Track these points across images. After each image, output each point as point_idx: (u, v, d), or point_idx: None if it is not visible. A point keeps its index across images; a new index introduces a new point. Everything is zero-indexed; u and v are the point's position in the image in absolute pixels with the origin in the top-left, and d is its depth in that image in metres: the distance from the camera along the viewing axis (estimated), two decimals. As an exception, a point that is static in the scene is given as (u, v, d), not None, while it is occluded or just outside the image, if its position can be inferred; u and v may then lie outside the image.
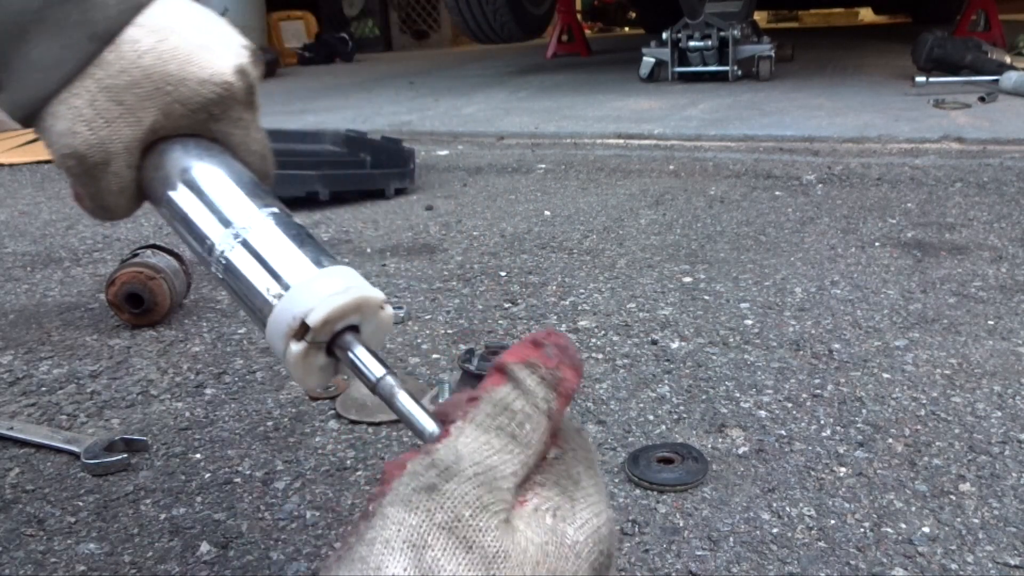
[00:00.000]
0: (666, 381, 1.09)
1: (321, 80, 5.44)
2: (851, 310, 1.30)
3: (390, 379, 0.45)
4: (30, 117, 0.52)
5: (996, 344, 1.16)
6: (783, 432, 0.95)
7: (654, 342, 1.21)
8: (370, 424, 1.01)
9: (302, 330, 0.46)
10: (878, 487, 0.84)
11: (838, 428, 0.96)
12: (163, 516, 0.84)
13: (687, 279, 1.47)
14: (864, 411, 0.99)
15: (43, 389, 1.14)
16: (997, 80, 3.27)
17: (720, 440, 0.94)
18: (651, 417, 1.00)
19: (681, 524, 0.80)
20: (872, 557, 0.74)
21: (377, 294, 0.48)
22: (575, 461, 0.40)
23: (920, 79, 3.36)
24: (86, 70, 0.51)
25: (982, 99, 3.02)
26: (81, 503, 0.87)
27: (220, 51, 0.54)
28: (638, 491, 0.85)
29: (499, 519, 0.35)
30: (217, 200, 0.52)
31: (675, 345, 1.20)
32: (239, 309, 0.51)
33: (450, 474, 0.35)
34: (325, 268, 0.49)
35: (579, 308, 1.36)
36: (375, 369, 0.46)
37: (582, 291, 1.43)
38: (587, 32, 6.94)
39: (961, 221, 1.76)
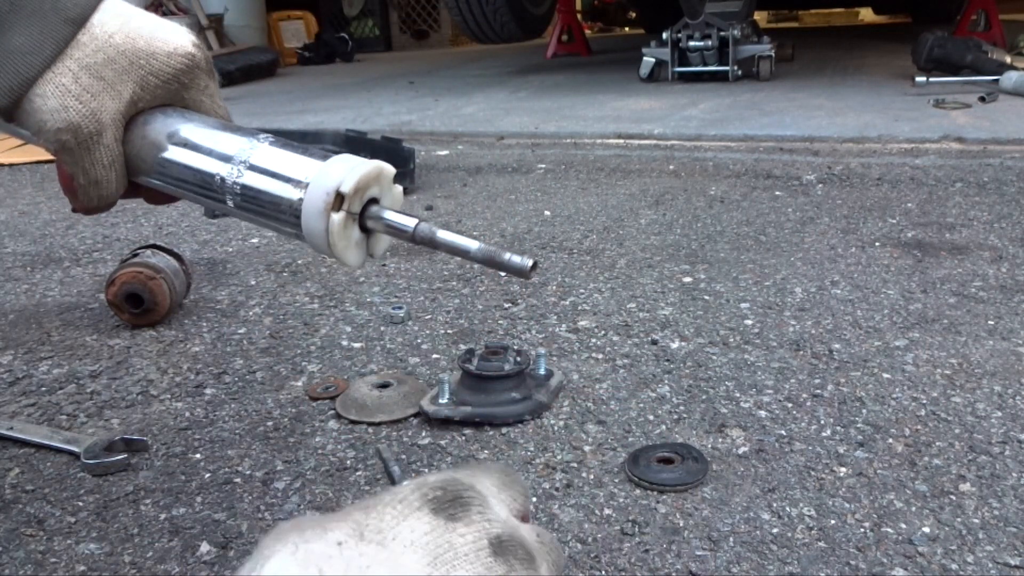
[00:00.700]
0: (666, 381, 1.09)
1: (321, 80, 5.44)
2: (851, 310, 1.30)
3: (424, 224, 0.52)
4: (15, 103, 0.54)
5: (996, 344, 1.16)
6: (783, 432, 0.95)
7: (654, 342, 1.21)
8: (370, 424, 1.01)
9: (338, 201, 0.50)
10: (878, 487, 0.84)
11: (838, 428, 0.96)
12: (163, 516, 0.84)
13: (687, 279, 1.47)
14: (864, 411, 0.99)
15: (43, 389, 1.14)
16: (997, 80, 3.27)
17: (720, 440, 0.94)
18: (651, 417, 1.00)
19: (681, 524, 0.80)
20: (872, 557, 0.74)
21: (390, 167, 0.54)
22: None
23: (920, 79, 3.36)
24: (65, 52, 0.55)
25: (982, 99, 3.02)
26: (81, 503, 0.87)
27: (174, 29, 0.60)
28: (638, 491, 0.85)
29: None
30: (212, 145, 0.56)
31: (675, 345, 1.20)
32: (265, 228, 0.58)
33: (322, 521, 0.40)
34: (333, 157, 0.53)
35: (579, 308, 1.36)
36: (408, 222, 0.52)
37: (582, 291, 1.43)
38: (587, 32, 6.94)
39: (961, 221, 1.76)
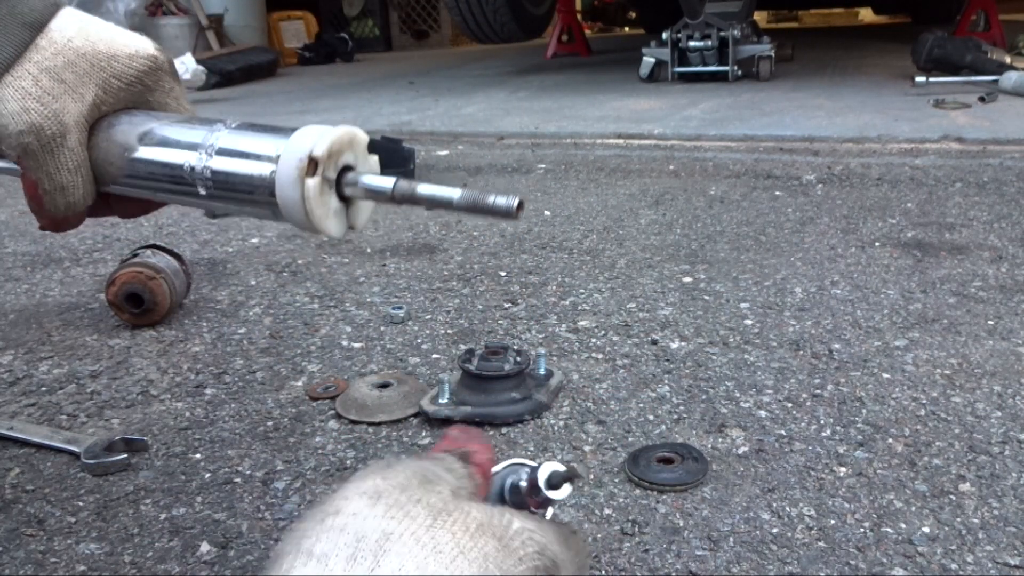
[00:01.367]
0: (666, 381, 1.09)
1: (321, 80, 5.44)
2: (851, 310, 1.30)
3: (402, 182, 0.50)
4: None
5: (996, 344, 1.16)
6: (783, 432, 0.95)
7: (654, 342, 1.21)
8: (370, 424, 1.01)
9: (312, 166, 0.49)
10: (878, 487, 0.84)
11: (838, 428, 0.96)
12: (163, 516, 0.84)
13: (687, 279, 1.47)
14: (864, 411, 0.99)
15: (43, 389, 1.14)
16: (997, 80, 3.27)
17: (720, 440, 0.94)
18: (651, 417, 1.00)
19: (681, 524, 0.80)
20: (872, 557, 0.74)
21: (363, 133, 0.53)
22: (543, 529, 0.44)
23: (920, 79, 3.36)
24: (24, 55, 0.54)
25: (982, 99, 3.02)
26: (81, 503, 0.87)
27: (134, 35, 0.59)
28: (638, 491, 0.85)
29: (444, 488, 0.40)
30: (179, 137, 0.55)
31: (675, 345, 1.20)
32: (243, 213, 0.56)
33: (400, 461, 0.41)
34: (300, 128, 0.52)
35: (579, 308, 1.36)
36: (386, 182, 0.50)
37: (582, 291, 1.43)
38: (587, 32, 6.94)
39: (961, 221, 1.76)
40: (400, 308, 1.35)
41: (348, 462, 0.93)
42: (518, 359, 1.02)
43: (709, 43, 3.94)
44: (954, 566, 0.72)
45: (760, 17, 8.60)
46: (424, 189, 0.50)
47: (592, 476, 0.88)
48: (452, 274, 1.55)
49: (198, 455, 0.96)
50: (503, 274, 1.54)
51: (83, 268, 1.67)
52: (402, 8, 8.56)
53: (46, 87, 0.54)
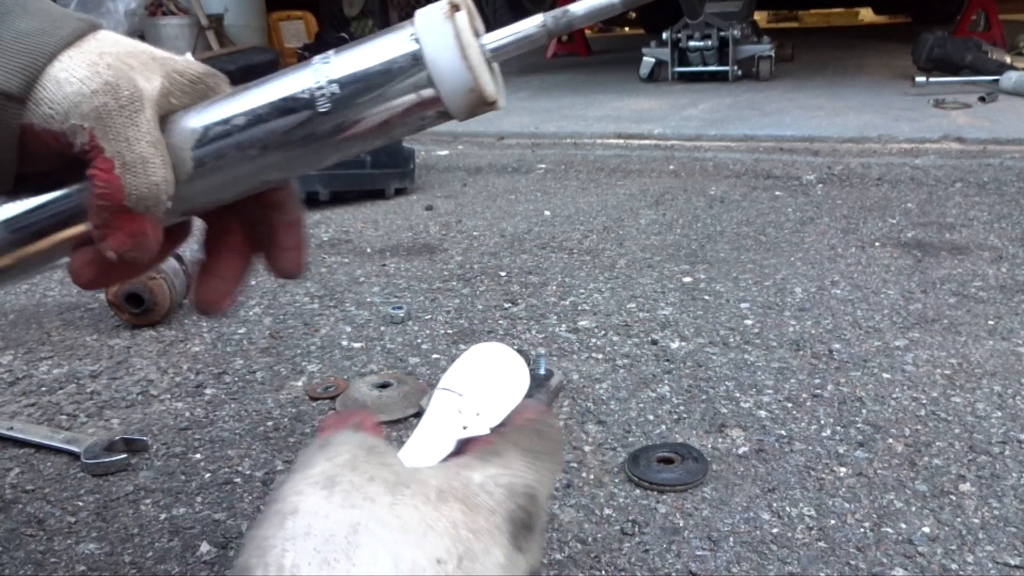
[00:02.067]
0: (666, 381, 1.09)
1: (321, 80, 5.43)
2: (851, 310, 1.30)
3: (548, 15, 0.44)
4: (29, 84, 0.46)
5: (996, 344, 1.16)
6: (783, 432, 0.95)
7: (654, 342, 1.21)
8: (370, 424, 1.01)
9: (452, 7, 0.43)
10: (878, 487, 0.84)
11: (838, 428, 0.96)
12: (163, 516, 0.84)
13: (687, 279, 1.47)
14: (864, 411, 0.99)
15: (43, 389, 1.14)
16: (997, 80, 3.27)
17: (720, 440, 0.94)
18: (651, 417, 1.00)
19: (681, 524, 0.80)
20: (872, 557, 0.74)
21: None
22: (506, 443, 0.42)
23: (920, 79, 3.36)
24: (80, 42, 0.48)
25: (982, 99, 3.02)
26: (81, 503, 0.87)
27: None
28: (638, 491, 0.85)
29: (392, 457, 0.39)
30: (274, 80, 0.48)
31: (675, 345, 1.20)
32: (367, 128, 0.45)
33: (335, 437, 0.40)
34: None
35: (579, 308, 1.36)
36: (533, 21, 0.44)
37: (582, 291, 1.43)
38: (587, 32, 6.94)
39: (961, 221, 1.76)
40: (400, 308, 1.35)
41: (348, 462, 0.93)
42: (518, 359, 1.02)
43: (709, 43, 3.95)
44: (954, 566, 0.72)
45: (760, 17, 8.59)
46: (578, 7, 0.43)
47: (592, 476, 0.88)
48: (452, 274, 1.55)
49: (198, 455, 0.96)
50: (503, 274, 1.54)
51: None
52: (402, 8, 8.56)
53: (112, 60, 0.47)
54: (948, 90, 3.29)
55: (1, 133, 0.46)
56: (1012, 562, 0.72)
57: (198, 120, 0.48)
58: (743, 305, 1.34)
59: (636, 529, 0.79)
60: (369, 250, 1.73)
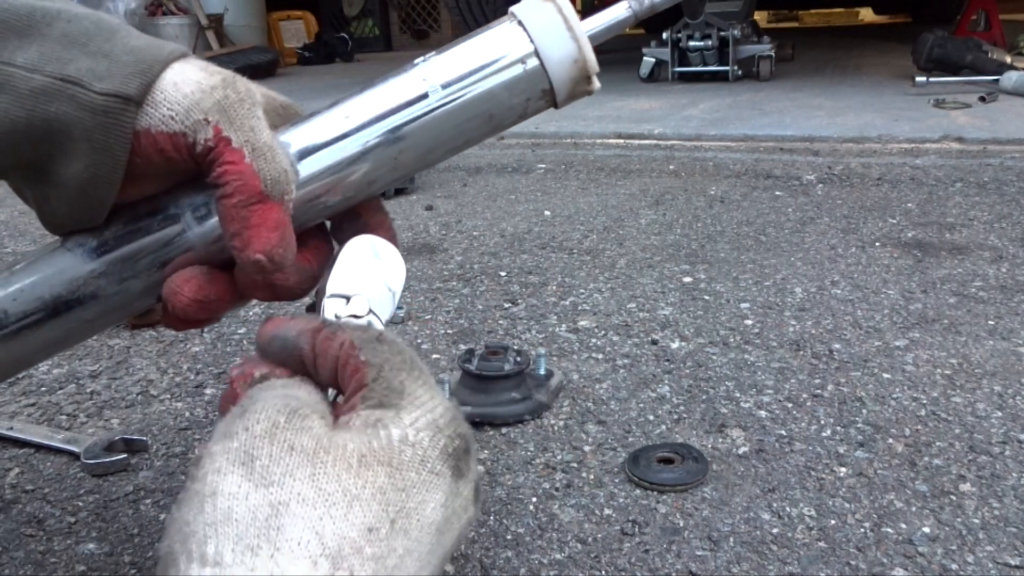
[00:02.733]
0: (666, 381, 1.09)
1: (321, 80, 5.44)
2: (851, 310, 1.30)
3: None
4: (147, 87, 0.45)
5: (996, 344, 1.16)
6: (783, 432, 0.95)
7: (654, 342, 1.21)
8: (370, 424, 1.01)
9: None
10: (878, 487, 0.84)
11: (838, 428, 0.96)
12: (163, 516, 0.84)
13: (687, 279, 1.47)
14: (864, 411, 0.99)
15: (43, 389, 1.14)
16: (997, 80, 3.27)
17: (720, 440, 0.94)
18: (651, 417, 1.00)
19: (681, 524, 0.80)
20: (872, 557, 0.74)
21: None
22: (393, 372, 0.40)
23: (920, 79, 3.36)
24: (184, 58, 0.48)
25: (982, 99, 3.02)
26: (81, 503, 0.87)
27: None
28: (638, 491, 0.85)
29: (313, 420, 0.37)
30: (379, 84, 0.47)
31: (675, 345, 1.20)
32: (470, 117, 0.45)
33: (253, 400, 0.38)
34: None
35: (579, 308, 1.36)
36: (619, 9, 0.46)
37: (582, 291, 1.43)
38: (587, 32, 6.93)
39: (961, 221, 1.76)
40: (400, 308, 1.34)
41: (348, 462, 0.93)
42: (518, 359, 1.02)
43: (709, 43, 3.94)
44: (954, 566, 0.72)
45: (760, 17, 8.60)
46: None
47: (592, 476, 0.88)
48: (452, 274, 1.55)
49: (198, 455, 0.96)
50: (503, 274, 1.54)
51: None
52: (402, 8, 8.56)
53: (217, 69, 0.48)
54: (948, 90, 3.28)
55: (115, 140, 0.45)
56: (1012, 562, 0.72)
57: (301, 134, 0.48)
58: (743, 305, 1.34)
59: (636, 529, 0.79)
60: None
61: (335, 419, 0.40)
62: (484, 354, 1.03)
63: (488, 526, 0.80)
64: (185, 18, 6.18)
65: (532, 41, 0.44)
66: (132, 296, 0.48)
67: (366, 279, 0.46)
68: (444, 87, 0.45)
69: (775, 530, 0.78)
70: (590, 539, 0.78)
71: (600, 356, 1.17)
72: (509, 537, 0.78)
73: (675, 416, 1.00)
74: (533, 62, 0.44)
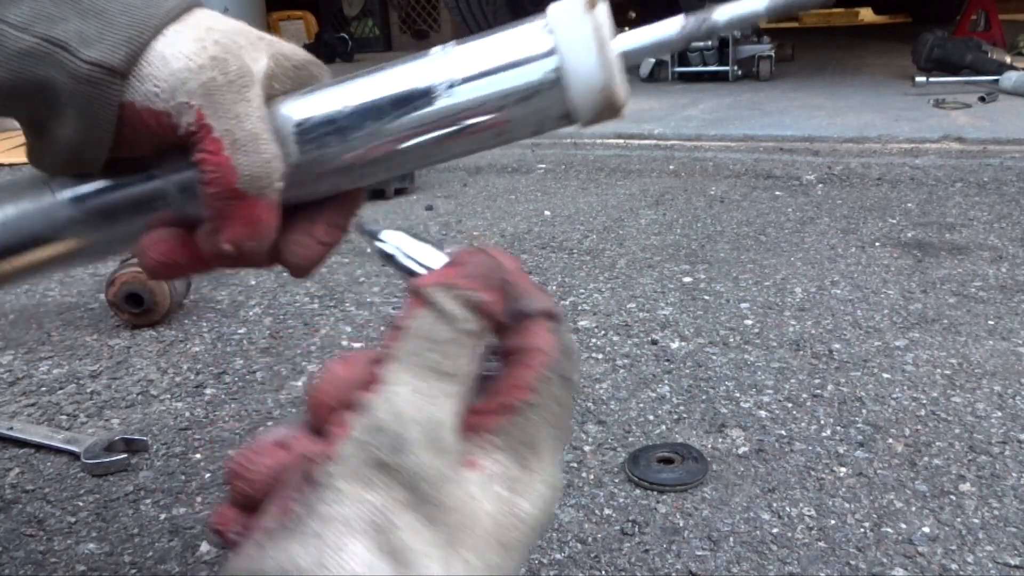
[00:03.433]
0: (666, 381, 1.09)
1: (321, 80, 5.43)
2: (851, 310, 1.30)
3: (692, 18, 0.40)
4: (133, 57, 0.43)
5: (996, 344, 1.16)
6: (783, 432, 0.95)
7: (654, 342, 1.21)
8: (370, 424, 1.01)
9: (592, 2, 0.39)
10: (878, 487, 0.84)
11: (838, 428, 0.96)
12: (163, 516, 0.84)
13: (687, 279, 1.47)
14: (864, 411, 0.99)
15: (43, 389, 1.14)
16: (997, 80, 3.27)
17: (720, 440, 0.94)
18: (651, 417, 1.00)
19: (681, 524, 0.80)
20: (872, 557, 0.74)
21: None
22: (541, 424, 0.37)
23: (920, 79, 3.36)
24: (186, 15, 0.45)
25: (982, 99, 3.02)
26: (81, 503, 0.87)
27: None
28: (638, 491, 0.85)
29: (455, 487, 0.33)
30: (391, 66, 0.44)
31: (675, 345, 1.20)
32: (479, 124, 0.42)
33: (399, 442, 0.33)
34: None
35: (579, 308, 1.36)
36: (674, 23, 0.40)
37: (582, 291, 1.43)
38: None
39: (961, 221, 1.76)
40: (399, 308, 1.34)
41: (348, 462, 0.93)
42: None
43: (709, 43, 3.94)
44: (954, 566, 0.72)
45: (760, 17, 8.57)
46: (722, 15, 0.39)
47: (592, 476, 0.88)
48: (452, 274, 1.55)
49: (198, 455, 0.96)
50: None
51: (83, 268, 1.67)
52: (402, 8, 8.56)
53: (220, 36, 0.45)
54: (948, 90, 3.29)
55: (100, 110, 0.44)
56: (1012, 562, 0.72)
57: (305, 106, 0.45)
58: (743, 305, 1.34)
59: (636, 529, 0.79)
60: (369, 250, 1.73)
61: (467, 423, 0.36)
62: (483, 354, 1.03)
63: (488, 526, 0.80)
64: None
65: (558, 56, 0.40)
66: (108, 245, 0.50)
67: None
68: (451, 87, 0.42)
69: (775, 530, 0.78)
70: (590, 539, 0.78)
71: (600, 356, 1.17)
72: (509, 537, 0.78)
73: (675, 416, 1.00)
74: (553, 81, 0.41)
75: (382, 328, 1.30)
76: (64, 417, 1.06)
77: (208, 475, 0.91)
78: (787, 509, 0.81)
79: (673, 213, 1.92)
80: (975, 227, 1.71)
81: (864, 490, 0.84)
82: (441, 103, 0.42)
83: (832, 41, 6.15)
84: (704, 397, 1.04)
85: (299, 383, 1.13)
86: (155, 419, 1.04)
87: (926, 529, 0.77)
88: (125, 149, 0.46)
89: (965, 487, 0.83)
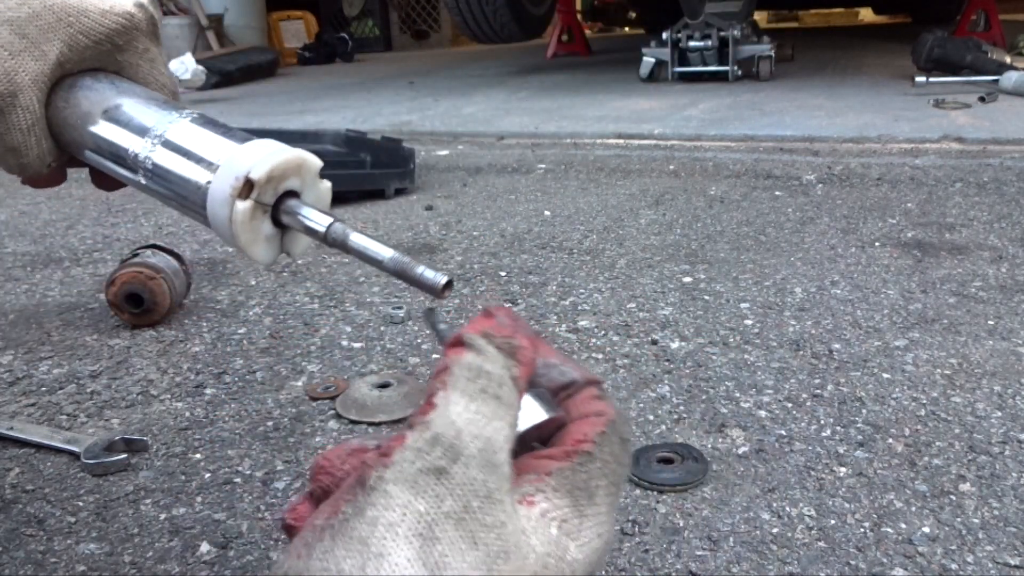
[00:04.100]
0: (666, 381, 1.09)
1: (321, 80, 5.44)
2: (851, 310, 1.30)
3: (338, 225, 0.47)
4: None
5: (996, 344, 1.16)
6: (783, 432, 0.95)
7: (654, 342, 1.21)
8: (370, 424, 1.01)
9: (247, 188, 0.46)
10: (878, 487, 0.84)
11: (838, 428, 0.96)
12: (163, 516, 0.84)
13: (687, 279, 1.47)
14: (864, 411, 0.99)
15: (43, 389, 1.14)
16: (997, 80, 3.27)
17: (720, 440, 0.94)
18: (651, 417, 1.00)
19: (681, 524, 0.80)
20: (872, 557, 0.74)
21: (316, 159, 0.49)
22: (599, 474, 0.38)
23: (920, 79, 3.36)
24: None
25: (982, 99, 3.02)
26: (81, 503, 0.87)
27: None
28: (638, 491, 0.85)
29: (504, 510, 0.33)
30: (135, 118, 0.52)
31: (675, 345, 1.20)
32: (178, 211, 0.53)
33: (456, 453, 0.33)
34: (252, 141, 0.49)
35: (579, 308, 1.36)
36: (322, 220, 0.48)
37: (582, 291, 1.43)
38: (587, 32, 6.94)
39: (961, 221, 1.76)
40: (400, 308, 1.35)
41: (348, 462, 0.93)
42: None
43: (709, 43, 3.94)
44: (954, 566, 0.72)
45: (760, 17, 8.60)
46: (357, 240, 0.48)
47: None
48: (452, 274, 1.55)
49: (198, 455, 0.96)
50: (503, 274, 1.54)
51: (83, 268, 1.67)
52: (402, 8, 8.56)
53: (4, 42, 0.50)
54: (948, 90, 3.29)
55: None
56: (1012, 562, 0.72)
57: (85, 107, 0.53)
58: (743, 305, 1.34)
59: (636, 529, 0.79)
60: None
61: (528, 465, 0.36)
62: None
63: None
64: (185, 18, 6.18)
65: (208, 213, 0.48)
66: None
67: None
68: (152, 168, 0.50)
69: (775, 530, 0.78)
70: (590, 539, 0.78)
71: (600, 356, 1.17)
72: (509, 537, 0.78)
73: (675, 416, 1.00)
74: (208, 221, 0.49)
75: (382, 328, 1.31)
76: (64, 417, 1.06)
77: (208, 475, 0.91)
78: (787, 509, 0.81)
79: (673, 213, 1.92)
80: (975, 227, 1.71)
81: (864, 490, 0.84)
82: (137, 174, 0.51)
83: (832, 41, 6.15)
84: (704, 397, 1.04)
85: (299, 383, 1.13)
86: (155, 419, 1.04)
87: (926, 529, 0.77)
88: None
89: (965, 487, 0.83)
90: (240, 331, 1.31)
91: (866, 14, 9.76)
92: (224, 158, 0.48)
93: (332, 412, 1.04)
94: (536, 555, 0.34)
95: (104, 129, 0.53)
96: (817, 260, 1.54)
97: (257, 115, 3.73)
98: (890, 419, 0.97)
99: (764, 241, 1.67)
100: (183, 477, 0.91)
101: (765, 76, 3.98)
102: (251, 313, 1.39)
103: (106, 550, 0.79)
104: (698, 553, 0.75)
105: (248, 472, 0.92)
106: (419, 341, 1.25)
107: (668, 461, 0.89)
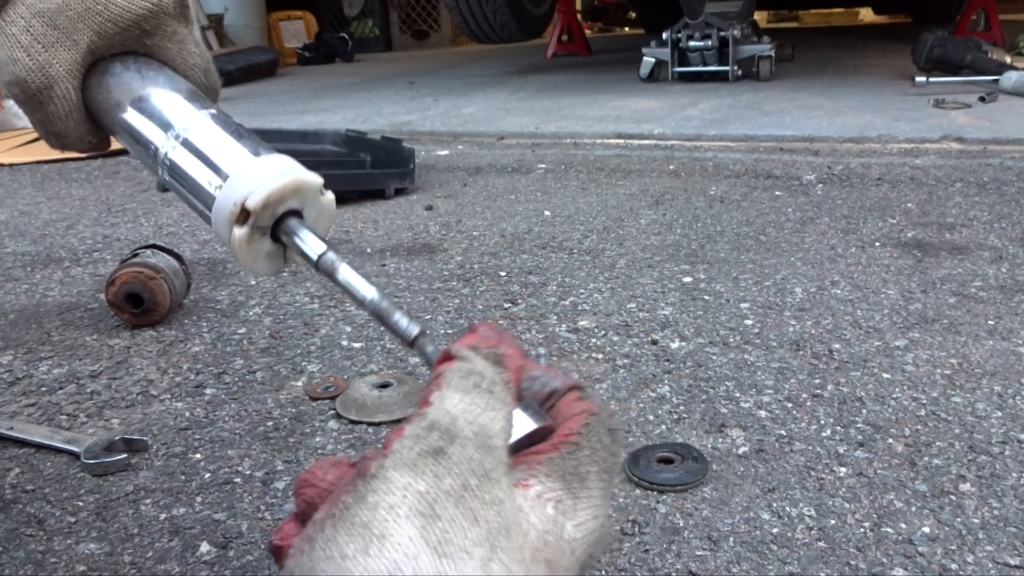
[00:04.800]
0: (666, 381, 1.09)
1: (321, 80, 5.44)
2: (851, 310, 1.30)
3: (331, 254, 0.49)
4: None
5: (996, 344, 1.16)
6: (783, 432, 0.95)
7: (654, 342, 1.21)
8: (370, 424, 1.01)
9: (243, 215, 0.48)
10: (878, 487, 0.84)
11: (838, 428, 0.96)
12: (163, 516, 0.84)
13: (687, 279, 1.47)
14: (864, 411, 0.99)
15: (43, 389, 1.14)
16: (997, 80, 3.27)
17: (720, 440, 0.94)
18: (651, 417, 1.00)
19: (681, 524, 0.80)
20: (872, 557, 0.74)
21: (315, 178, 0.50)
22: (588, 460, 0.39)
23: (920, 79, 3.36)
24: (8, 6, 0.51)
25: (982, 99, 3.02)
26: (81, 503, 0.87)
27: None
28: (638, 491, 0.85)
29: (502, 489, 0.34)
30: (159, 110, 0.54)
31: (675, 345, 1.20)
32: (191, 209, 0.54)
33: (452, 436, 0.34)
34: (262, 156, 0.50)
35: (579, 308, 1.36)
36: (316, 247, 0.49)
37: (582, 291, 1.43)
38: (587, 32, 6.94)
39: (961, 221, 1.76)
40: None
41: (348, 462, 0.93)
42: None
43: (709, 43, 3.94)
44: (954, 566, 0.72)
45: (760, 17, 8.60)
46: (344, 274, 0.50)
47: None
48: (452, 274, 1.55)
49: (198, 455, 0.96)
50: (503, 274, 1.54)
51: (83, 268, 1.67)
52: (402, 8, 8.56)
53: (37, 34, 0.52)
54: (948, 90, 3.29)
55: None
56: (1012, 562, 0.72)
57: (116, 94, 0.55)
58: (743, 305, 1.34)
59: (636, 529, 0.79)
60: (369, 250, 1.73)
61: (521, 459, 0.38)
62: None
63: (488, 526, 0.80)
64: (185, 18, 6.17)
65: (213, 226, 0.50)
66: None
67: None
68: (170, 167, 0.52)
69: (775, 530, 0.78)
70: (590, 539, 0.78)
71: (600, 356, 1.17)
72: (509, 537, 0.78)
73: (675, 416, 1.00)
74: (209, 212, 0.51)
75: (382, 328, 1.30)
76: (64, 417, 1.06)
77: (208, 475, 0.91)
78: (787, 509, 0.81)
79: (673, 213, 1.92)
80: (975, 227, 1.71)
81: (864, 490, 0.84)
82: (158, 166, 0.53)
83: (832, 41, 6.15)
84: (704, 397, 1.04)
85: (299, 383, 1.13)
86: (155, 419, 1.04)
87: (926, 529, 0.77)
88: None
89: (965, 487, 0.83)
90: (240, 331, 1.31)
91: (866, 14, 9.76)
92: (234, 170, 0.49)
93: (332, 412, 1.04)
94: (536, 532, 0.35)
95: (132, 118, 0.54)
96: (817, 260, 1.54)
97: (257, 115, 3.73)
98: (890, 419, 0.97)
99: (764, 241, 1.68)
100: (183, 477, 0.91)
101: (765, 76, 3.97)
102: (251, 313, 1.39)
103: (106, 550, 0.79)
104: (698, 553, 0.75)
105: (248, 472, 0.92)
106: (419, 341, 1.25)
107: (668, 461, 0.89)
